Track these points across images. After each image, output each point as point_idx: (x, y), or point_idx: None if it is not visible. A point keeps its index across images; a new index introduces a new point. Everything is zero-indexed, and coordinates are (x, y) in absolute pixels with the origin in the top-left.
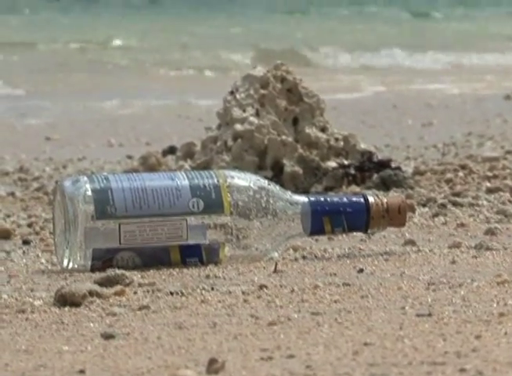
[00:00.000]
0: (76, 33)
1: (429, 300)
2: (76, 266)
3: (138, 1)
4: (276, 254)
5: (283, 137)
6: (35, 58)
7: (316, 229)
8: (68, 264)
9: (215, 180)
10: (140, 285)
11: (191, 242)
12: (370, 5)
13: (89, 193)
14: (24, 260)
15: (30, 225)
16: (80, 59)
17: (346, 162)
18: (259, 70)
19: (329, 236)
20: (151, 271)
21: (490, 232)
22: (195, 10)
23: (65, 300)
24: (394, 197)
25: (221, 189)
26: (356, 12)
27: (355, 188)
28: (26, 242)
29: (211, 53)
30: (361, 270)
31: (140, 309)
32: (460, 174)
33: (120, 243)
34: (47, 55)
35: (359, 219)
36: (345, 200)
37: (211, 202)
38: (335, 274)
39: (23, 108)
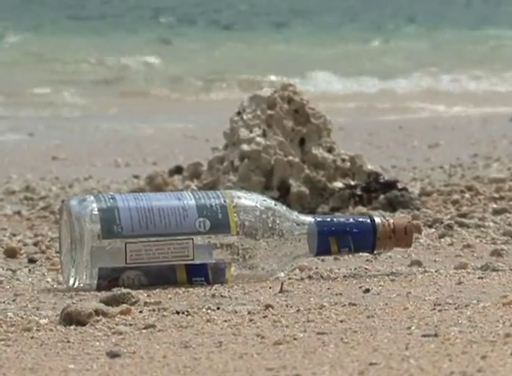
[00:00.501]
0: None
1: (435, 320)
2: (82, 285)
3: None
4: (282, 274)
5: (290, 157)
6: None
7: (322, 250)
8: (74, 283)
9: (222, 200)
10: (146, 304)
11: (197, 261)
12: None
13: (96, 212)
14: (30, 279)
15: (36, 244)
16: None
17: (352, 183)
18: (266, 91)
19: (336, 256)
20: (157, 290)
21: (496, 253)
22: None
23: (71, 319)
24: (400, 217)
25: (228, 209)
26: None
27: (361, 209)
28: (32, 261)
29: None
30: (367, 290)
31: (146, 327)
32: (467, 195)
33: (126, 262)
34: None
35: (366, 240)
36: (352, 220)
37: (218, 222)
38: (341, 294)
39: (30, 128)
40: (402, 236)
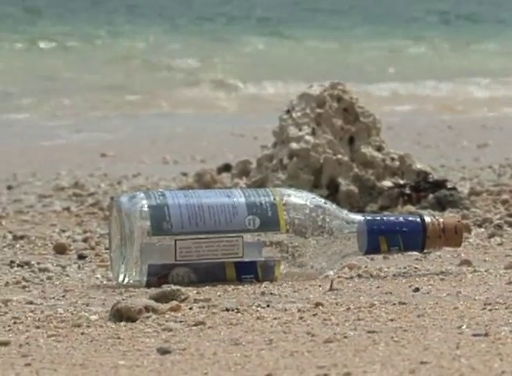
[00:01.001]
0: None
1: (485, 320)
2: (131, 282)
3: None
4: (332, 273)
5: (339, 156)
6: None
7: (372, 248)
8: (124, 279)
9: (271, 198)
10: (196, 301)
11: (247, 259)
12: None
13: (146, 209)
14: (80, 275)
15: (85, 241)
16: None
17: (401, 182)
18: (315, 89)
19: (385, 255)
20: (206, 287)
21: None
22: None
23: (121, 315)
24: (450, 217)
25: (278, 207)
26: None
27: (410, 208)
28: (81, 257)
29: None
30: (417, 289)
31: (196, 324)
32: None
33: (175, 259)
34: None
35: (416, 239)
36: (401, 219)
37: (267, 220)
38: (391, 293)
39: (79, 124)
40: (452, 236)
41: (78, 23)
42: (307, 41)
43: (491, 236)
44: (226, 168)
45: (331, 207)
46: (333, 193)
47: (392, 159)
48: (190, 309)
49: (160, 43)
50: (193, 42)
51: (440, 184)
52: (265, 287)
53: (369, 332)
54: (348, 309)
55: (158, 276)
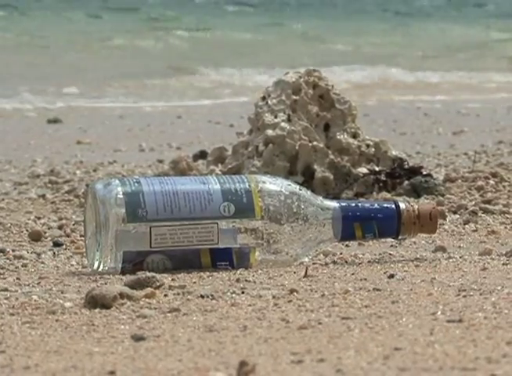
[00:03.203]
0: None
1: (460, 306)
2: (106, 269)
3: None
4: (307, 259)
5: (315, 143)
6: None
7: (347, 235)
8: (99, 266)
9: (247, 185)
10: (171, 288)
11: (222, 246)
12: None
13: (121, 196)
14: (55, 262)
15: (60, 228)
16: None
17: (377, 168)
18: (291, 76)
19: (360, 241)
20: (181, 274)
21: None
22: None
23: (95, 302)
24: (425, 203)
25: (253, 194)
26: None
27: (385, 194)
28: (56, 244)
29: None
30: (391, 276)
31: (170, 311)
32: (491, 182)
33: (150, 246)
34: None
35: (390, 225)
36: (376, 206)
37: (243, 206)
38: (365, 279)
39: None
40: (427, 222)
41: None
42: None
43: (466, 222)
44: (202, 155)
45: (306, 193)
46: (308, 179)
47: (368, 146)
48: (165, 295)
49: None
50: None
51: (415, 171)
52: (240, 273)
53: (343, 318)
54: (323, 295)
55: (133, 263)
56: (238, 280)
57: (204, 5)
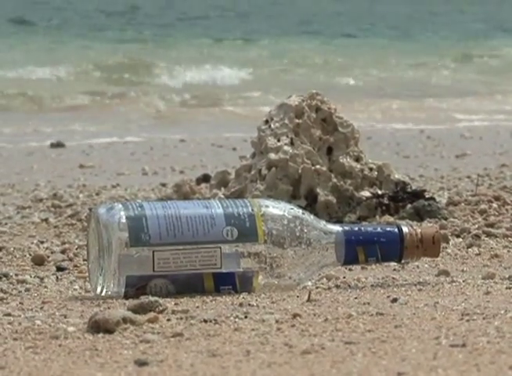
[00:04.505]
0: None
1: (463, 330)
2: (109, 293)
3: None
4: (310, 283)
5: (317, 166)
6: None
7: (350, 259)
8: (102, 291)
9: (250, 209)
10: (174, 312)
11: (225, 270)
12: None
13: (124, 220)
14: (58, 286)
15: (63, 252)
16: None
17: (380, 192)
18: (294, 100)
19: (363, 265)
20: (184, 298)
21: None
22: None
23: (98, 327)
24: (428, 227)
25: (256, 218)
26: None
27: (388, 218)
28: (59, 268)
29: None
30: (395, 300)
31: (174, 336)
32: (494, 205)
33: (153, 270)
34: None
35: (393, 249)
36: (379, 230)
37: (246, 230)
38: (369, 303)
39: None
40: (430, 246)
41: None
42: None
43: (469, 246)
44: (205, 178)
45: (309, 217)
46: (311, 203)
47: (370, 169)
48: (168, 320)
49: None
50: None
51: (418, 194)
52: (243, 298)
53: (346, 343)
54: (326, 319)
55: (136, 287)
56: (241, 305)
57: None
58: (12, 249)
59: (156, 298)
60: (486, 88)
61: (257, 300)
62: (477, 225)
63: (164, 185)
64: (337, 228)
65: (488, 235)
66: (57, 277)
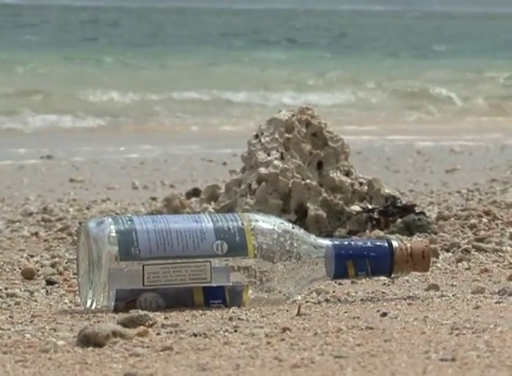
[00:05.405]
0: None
1: (453, 345)
2: (99, 307)
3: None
4: (299, 298)
5: (308, 181)
6: None
7: (340, 273)
8: (91, 304)
9: (240, 223)
10: (163, 326)
11: (215, 284)
12: None
13: (114, 234)
14: (47, 300)
15: (53, 266)
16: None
17: (370, 206)
18: (284, 114)
19: (353, 279)
20: (174, 312)
21: None
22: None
23: (88, 340)
24: (417, 241)
25: (246, 232)
26: None
27: (378, 232)
28: (49, 282)
29: None
30: (384, 314)
31: (163, 350)
32: (484, 220)
33: (143, 284)
34: None
35: (383, 264)
36: (369, 244)
37: (235, 245)
38: (358, 318)
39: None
40: (420, 260)
41: None
42: None
43: (458, 260)
44: (195, 192)
45: (299, 232)
46: (301, 217)
47: (361, 184)
48: (158, 334)
49: None
50: None
51: (408, 209)
52: (233, 312)
53: (336, 357)
54: (316, 333)
55: (126, 301)
56: (231, 319)
57: None
58: (1, 263)
59: (145, 312)
60: None
61: (246, 314)
62: (466, 240)
63: (154, 199)
64: (326, 242)
65: (478, 250)
66: (47, 291)
